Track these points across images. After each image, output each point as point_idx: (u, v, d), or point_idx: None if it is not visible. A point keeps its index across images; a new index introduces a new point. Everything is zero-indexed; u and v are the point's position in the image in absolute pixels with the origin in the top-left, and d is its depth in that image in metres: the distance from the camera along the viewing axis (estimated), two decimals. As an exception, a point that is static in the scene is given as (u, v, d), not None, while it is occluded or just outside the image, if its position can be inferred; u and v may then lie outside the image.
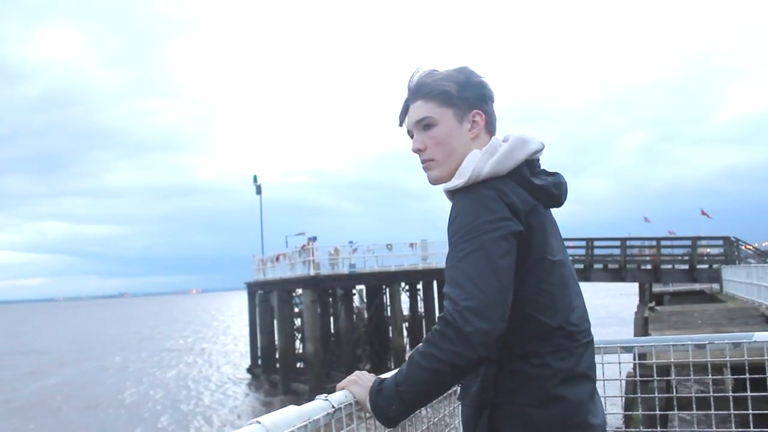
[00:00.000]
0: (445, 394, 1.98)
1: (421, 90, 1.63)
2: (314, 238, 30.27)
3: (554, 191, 1.59)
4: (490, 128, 1.64)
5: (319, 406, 1.31)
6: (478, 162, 1.50)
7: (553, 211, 1.64)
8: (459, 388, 1.68)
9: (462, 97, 1.61)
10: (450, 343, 1.35)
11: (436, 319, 1.41)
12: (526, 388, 1.47)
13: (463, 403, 1.62)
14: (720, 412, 2.40)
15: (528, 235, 1.47)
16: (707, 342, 2.31)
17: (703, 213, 34.93)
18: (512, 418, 1.47)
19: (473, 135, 1.61)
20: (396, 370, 1.47)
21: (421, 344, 1.42)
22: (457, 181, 1.51)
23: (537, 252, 1.49)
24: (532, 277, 1.48)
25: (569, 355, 1.49)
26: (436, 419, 1.92)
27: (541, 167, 1.63)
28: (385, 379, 1.46)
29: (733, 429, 2.30)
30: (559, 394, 1.46)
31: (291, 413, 1.22)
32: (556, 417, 1.45)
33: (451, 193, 1.54)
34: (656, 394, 2.62)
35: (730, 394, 2.32)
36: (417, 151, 1.64)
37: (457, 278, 1.39)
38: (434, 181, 1.63)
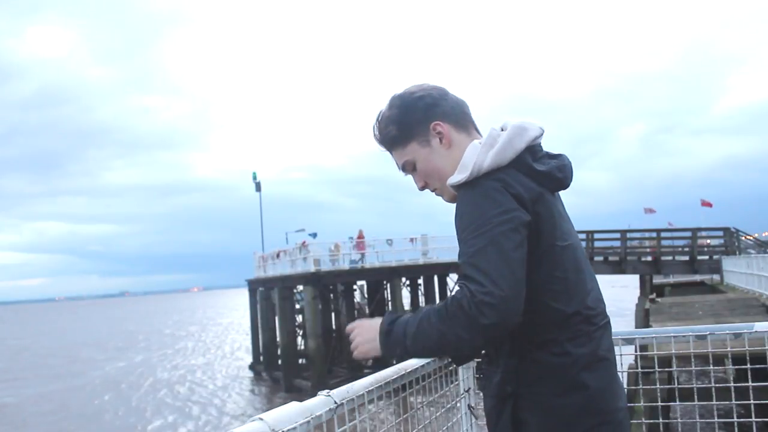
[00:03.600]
0: (450, 386, 1.98)
1: (383, 144, 1.69)
2: (314, 235, 30.32)
3: (558, 175, 1.57)
4: (460, 124, 1.64)
5: (321, 402, 1.31)
6: (478, 155, 1.49)
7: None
8: (480, 378, 1.69)
9: (409, 126, 1.62)
10: (460, 327, 1.38)
11: (451, 297, 1.42)
12: (549, 377, 1.47)
13: (485, 393, 1.62)
14: (722, 402, 2.40)
15: (536, 223, 1.47)
16: (708, 333, 2.31)
17: (704, 203, 34.83)
18: (536, 408, 1.47)
19: (447, 144, 1.61)
20: (409, 315, 1.51)
21: (437, 309, 1.43)
22: (459, 176, 1.50)
23: (547, 239, 1.49)
24: (544, 265, 1.48)
25: (588, 340, 1.49)
26: (438, 413, 1.92)
27: (543, 150, 1.60)
28: (397, 318, 1.52)
29: (735, 419, 2.30)
30: (582, 382, 1.45)
31: (293, 409, 1.22)
32: (581, 404, 1.45)
33: (456, 188, 1.54)
34: (658, 386, 2.61)
35: (732, 384, 2.32)
36: (422, 189, 1.69)
37: (472, 275, 1.39)
38: (450, 201, 1.62)
